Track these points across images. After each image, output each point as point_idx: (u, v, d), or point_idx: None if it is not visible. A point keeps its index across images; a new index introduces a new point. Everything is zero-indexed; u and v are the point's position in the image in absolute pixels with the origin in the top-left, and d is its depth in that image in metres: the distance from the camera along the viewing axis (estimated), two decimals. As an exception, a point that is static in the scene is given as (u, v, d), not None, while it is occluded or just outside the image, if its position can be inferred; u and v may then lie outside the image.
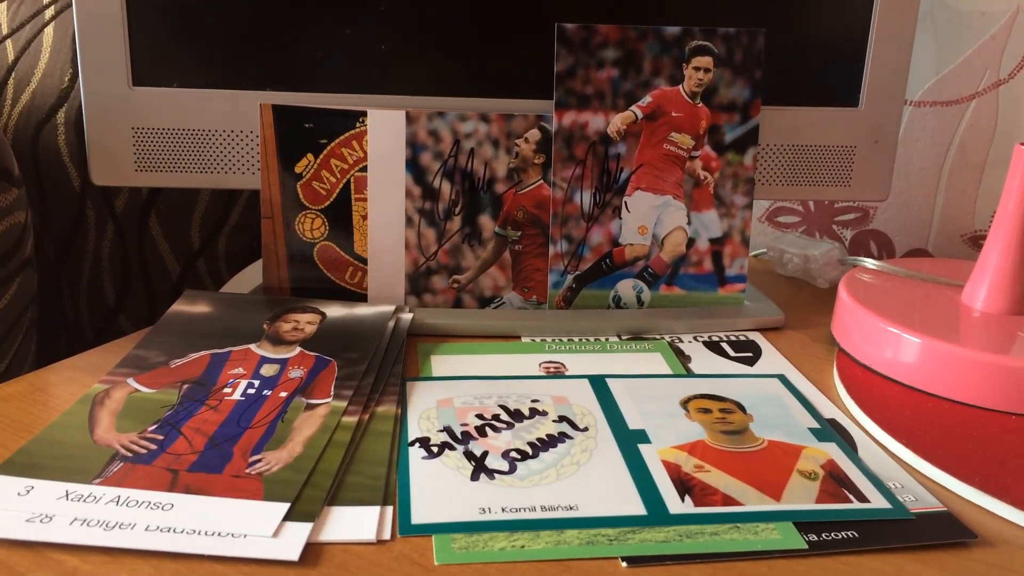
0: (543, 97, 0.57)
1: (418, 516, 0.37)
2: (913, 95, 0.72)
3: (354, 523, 0.36)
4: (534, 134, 0.56)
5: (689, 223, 0.58)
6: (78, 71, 0.69)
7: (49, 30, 0.71)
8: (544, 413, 0.46)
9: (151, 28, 0.54)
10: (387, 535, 0.36)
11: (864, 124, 0.61)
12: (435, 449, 0.42)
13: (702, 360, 0.54)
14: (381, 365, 0.50)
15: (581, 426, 0.45)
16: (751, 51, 0.57)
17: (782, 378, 0.51)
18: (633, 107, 0.57)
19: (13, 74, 0.70)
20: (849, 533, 0.37)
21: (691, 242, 0.59)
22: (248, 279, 0.62)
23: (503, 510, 0.37)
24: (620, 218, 0.58)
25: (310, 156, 0.56)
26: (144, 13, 0.54)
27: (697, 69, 0.57)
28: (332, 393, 0.46)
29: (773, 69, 0.58)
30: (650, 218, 0.58)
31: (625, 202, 0.57)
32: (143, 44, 0.54)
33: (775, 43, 0.58)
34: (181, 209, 0.71)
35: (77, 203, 0.70)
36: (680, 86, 0.57)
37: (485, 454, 0.42)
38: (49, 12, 0.71)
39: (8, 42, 0.71)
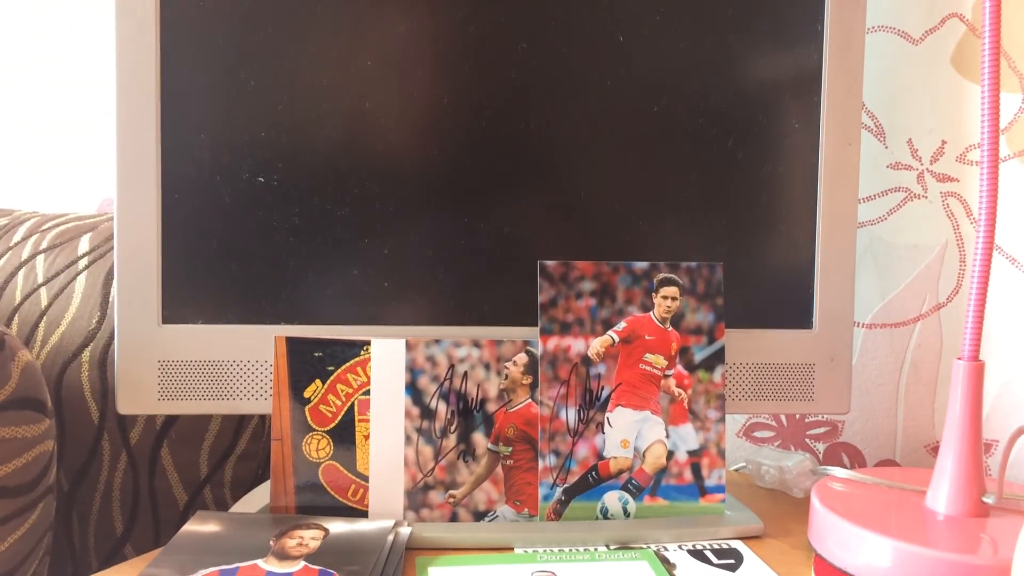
0: (529, 325, 0.63)
1: None
2: (864, 318, 0.79)
3: None
4: (522, 358, 0.62)
5: (668, 436, 0.63)
6: (105, 313, 0.76)
7: (82, 278, 0.78)
8: (537, 618, 0.48)
9: (181, 272, 0.61)
10: None
11: (819, 344, 0.67)
12: (434, 652, 0.44)
13: (687, 568, 0.57)
14: (381, 576, 0.52)
15: (572, 629, 0.47)
16: (712, 281, 0.64)
17: (763, 582, 0.54)
18: (610, 332, 0.63)
19: (44, 317, 0.77)
20: None
21: (671, 454, 0.63)
22: (256, 499, 0.65)
23: None
24: (603, 433, 0.62)
25: (318, 382, 0.61)
26: (176, 259, 0.61)
27: (665, 298, 0.64)
28: (335, 603, 0.48)
29: (733, 296, 0.66)
30: (631, 432, 0.63)
31: (607, 418, 0.62)
32: (173, 287, 0.61)
33: (734, 273, 0.66)
34: (191, 438, 0.76)
35: (94, 436, 0.75)
36: (651, 313, 0.64)
37: (481, 656, 0.44)
38: (83, 262, 0.79)
39: (43, 289, 0.79)
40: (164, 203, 0.61)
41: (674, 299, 0.64)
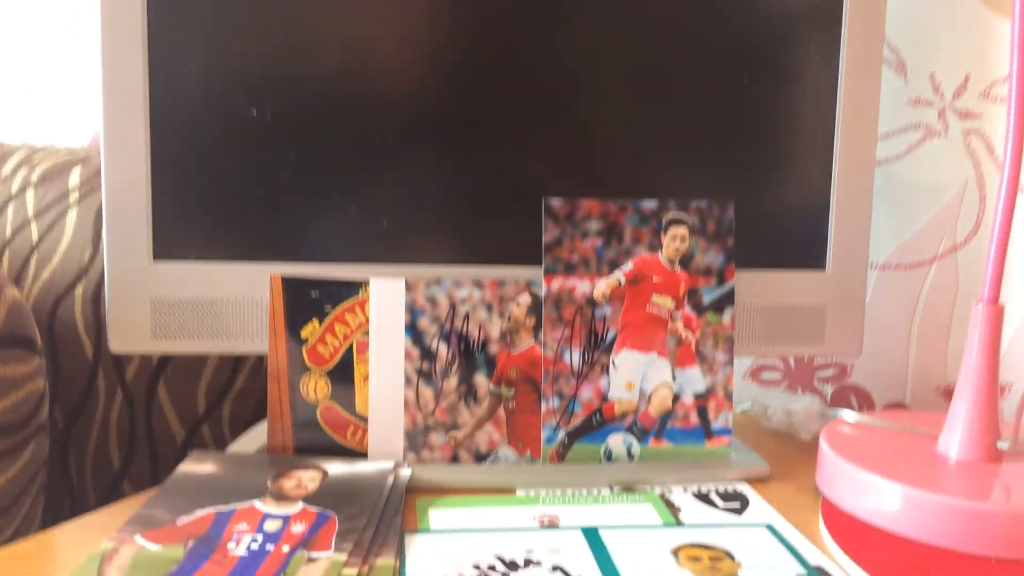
0: (533, 264, 0.61)
1: (417, 662, 0.38)
2: (878, 259, 0.77)
3: (355, 669, 0.37)
4: (525, 299, 0.60)
5: (674, 379, 0.61)
6: (97, 250, 0.74)
7: (73, 212, 0.76)
8: (539, 563, 0.47)
9: (172, 207, 0.59)
10: None
11: (832, 285, 0.65)
12: (433, 598, 0.43)
13: (692, 510, 0.56)
14: (380, 519, 0.51)
15: (575, 575, 0.46)
16: (723, 220, 0.62)
17: (769, 527, 0.53)
18: (617, 273, 0.61)
19: (35, 253, 0.75)
20: (836, 671, 0.38)
21: (676, 397, 0.62)
22: (253, 439, 0.64)
23: (500, 655, 0.38)
24: (608, 375, 0.61)
25: (315, 322, 0.59)
26: (167, 194, 0.59)
27: (674, 238, 0.62)
28: (332, 546, 0.48)
29: (745, 236, 0.63)
30: (637, 375, 0.61)
31: (612, 360, 0.61)
32: (164, 222, 0.59)
33: (745, 212, 0.63)
34: (188, 376, 0.74)
35: (89, 372, 0.74)
36: (659, 253, 0.62)
37: (482, 602, 0.43)
38: (74, 196, 0.77)
39: (33, 223, 0.77)
40: (153, 135, 0.59)
41: (683, 239, 0.62)
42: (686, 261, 0.62)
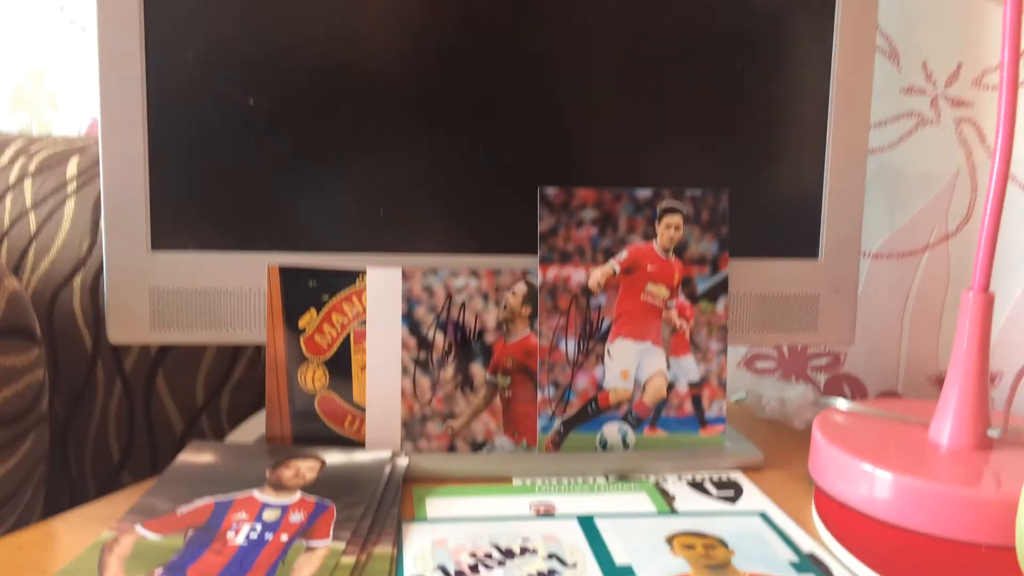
0: (528, 254, 0.62)
1: (415, 648, 0.38)
2: (871, 248, 0.78)
3: (354, 655, 0.38)
4: (521, 288, 0.61)
5: (668, 368, 0.62)
6: (96, 240, 0.74)
7: (71, 202, 0.76)
8: (534, 551, 0.48)
9: (170, 197, 0.60)
10: (385, 666, 0.37)
11: (825, 274, 0.66)
12: (431, 585, 0.44)
13: (686, 499, 0.56)
14: (378, 508, 0.52)
15: (570, 563, 0.47)
16: (717, 209, 0.63)
17: (763, 515, 0.54)
18: (611, 262, 0.61)
19: (33, 243, 0.76)
20: (827, 656, 0.38)
21: (671, 386, 0.62)
22: (251, 429, 0.65)
23: (496, 641, 0.39)
24: (603, 364, 0.61)
25: (313, 311, 0.60)
26: (164, 184, 0.59)
27: (668, 227, 0.62)
28: (331, 535, 0.48)
29: (738, 225, 0.64)
30: (632, 363, 0.62)
31: (608, 349, 0.61)
32: (162, 212, 0.60)
33: (739, 201, 0.64)
34: (187, 367, 0.75)
35: (88, 364, 0.74)
36: (653, 242, 0.62)
37: (479, 589, 0.43)
38: (72, 186, 0.77)
39: (31, 213, 0.77)
40: (151, 124, 0.59)
41: (677, 228, 0.62)
42: (680, 250, 0.62)
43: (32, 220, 0.76)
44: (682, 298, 0.62)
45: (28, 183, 0.78)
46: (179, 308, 0.60)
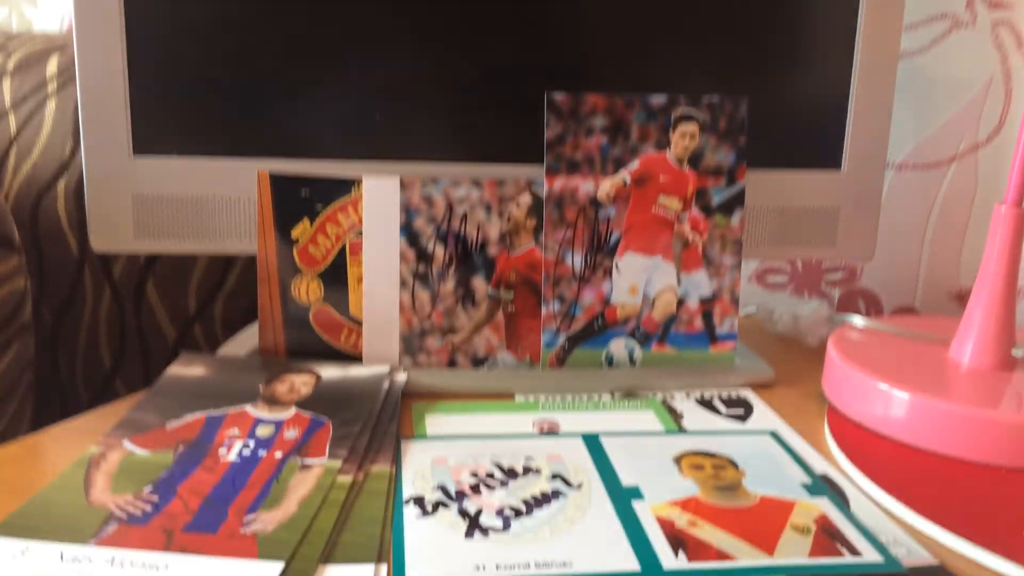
0: (534, 163, 0.58)
1: (413, 574, 0.37)
2: (895, 158, 0.74)
3: (349, 581, 0.36)
4: (525, 199, 0.58)
5: (679, 283, 0.59)
6: (79, 142, 0.70)
7: (52, 103, 0.72)
8: (538, 471, 0.46)
9: (152, 99, 0.56)
10: (382, 593, 0.36)
11: (847, 186, 0.62)
12: (429, 507, 0.42)
13: (694, 417, 0.54)
14: (376, 425, 0.50)
15: (575, 483, 0.45)
16: (735, 117, 0.59)
17: (774, 434, 0.52)
18: (622, 172, 0.58)
19: (14, 146, 0.72)
20: (842, 586, 0.37)
21: (681, 302, 0.60)
22: (244, 341, 0.63)
23: (498, 567, 0.37)
24: (611, 279, 0.59)
25: (306, 221, 0.57)
26: (145, 84, 0.56)
27: (683, 136, 0.58)
28: (327, 453, 0.46)
29: (757, 134, 0.60)
30: (640, 278, 0.59)
31: (616, 263, 0.59)
32: (144, 114, 0.56)
33: (759, 109, 0.60)
34: (178, 274, 0.72)
35: (75, 270, 0.71)
36: (667, 151, 0.58)
37: (479, 512, 0.42)
38: (52, 86, 0.73)
39: (11, 114, 0.73)
40: (128, 19, 0.55)
41: (693, 137, 0.58)
42: (695, 160, 0.59)
43: (12, 121, 0.73)
44: (695, 211, 0.59)
45: (7, 82, 0.74)
46: (165, 216, 0.57)
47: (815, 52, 0.60)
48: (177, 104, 0.56)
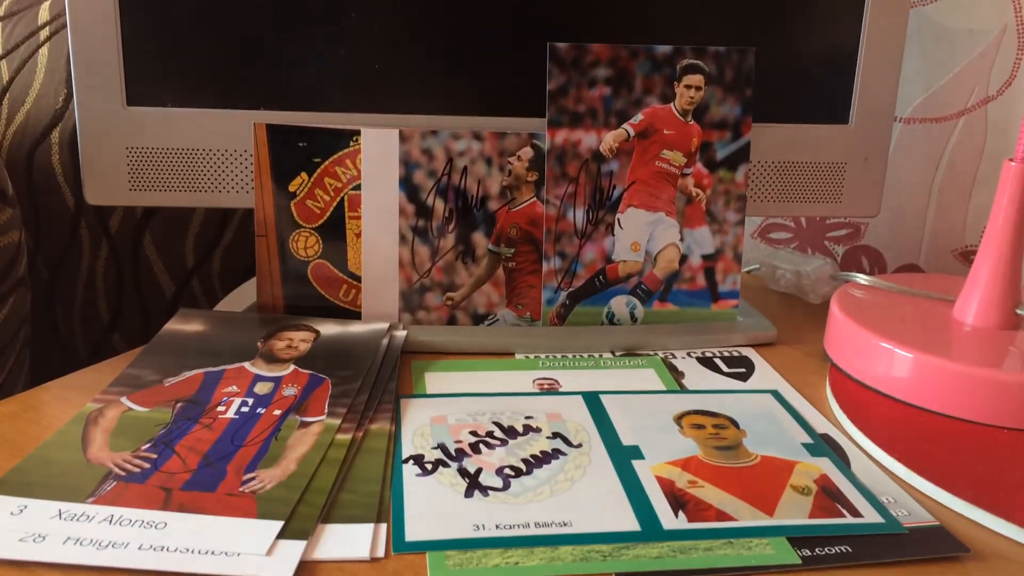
0: (535, 115, 0.57)
1: (412, 533, 0.37)
2: (903, 112, 0.72)
3: (348, 540, 0.36)
4: (527, 152, 0.57)
5: (682, 240, 0.59)
6: (72, 91, 0.69)
7: (44, 51, 0.71)
8: (538, 430, 0.46)
9: (145, 48, 0.54)
10: (381, 553, 0.36)
11: (854, 141, 0.61)
12: (429, 466, 0.42)
13: (695, 376, 0.54)
14: (375, 383, 0.50)
15: (575, 442, 0.45)
16: (742, 69, 0.57)
17: (775, 393, 0.52)
18: (625, 125, 0.57)
19: (7, 94, 0.71)
20: (842, 548, 0.37)
21: (684, 258, 0.59)
22: (242, 297, 0.62)
23: (497, 527, 0.37)
24: (613, 235, 0.58)
25: (304, 175, 0.56)
26: (139, 33, 0.54)
27: (688, 87, 0.57)
28: (326, 411, 0.46)
29: (764, 87, 0.59)
30: (643, 235, 0.58)
31: (618, 219, 0.58)
32: (137, 64, 0.55)
33: (766, 61, 0.59)
34: (175, 228, 0.71)
35: (71, 222, 0.71)
36: (671, 104, 0.57)
37: (479, 471, 0.42)
38: (44, 33, 0.72)
39: (3, 62, 0.72)
40: (119, -36, 0.53)
41: (698, 88, 0.57)
42: (700, 113, 0.58)
43: (4, 69, 0.71)
44: (700, 165, 0.58)
45: (-2, 28, 0.73)
46: (159, 168, 0.56)
47: (823, 1, 0.59)
48: (171, 53, 0.55)
